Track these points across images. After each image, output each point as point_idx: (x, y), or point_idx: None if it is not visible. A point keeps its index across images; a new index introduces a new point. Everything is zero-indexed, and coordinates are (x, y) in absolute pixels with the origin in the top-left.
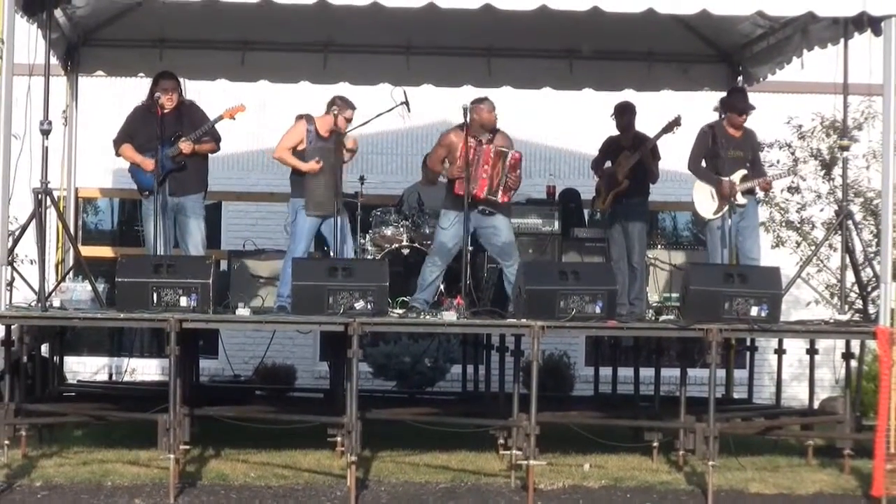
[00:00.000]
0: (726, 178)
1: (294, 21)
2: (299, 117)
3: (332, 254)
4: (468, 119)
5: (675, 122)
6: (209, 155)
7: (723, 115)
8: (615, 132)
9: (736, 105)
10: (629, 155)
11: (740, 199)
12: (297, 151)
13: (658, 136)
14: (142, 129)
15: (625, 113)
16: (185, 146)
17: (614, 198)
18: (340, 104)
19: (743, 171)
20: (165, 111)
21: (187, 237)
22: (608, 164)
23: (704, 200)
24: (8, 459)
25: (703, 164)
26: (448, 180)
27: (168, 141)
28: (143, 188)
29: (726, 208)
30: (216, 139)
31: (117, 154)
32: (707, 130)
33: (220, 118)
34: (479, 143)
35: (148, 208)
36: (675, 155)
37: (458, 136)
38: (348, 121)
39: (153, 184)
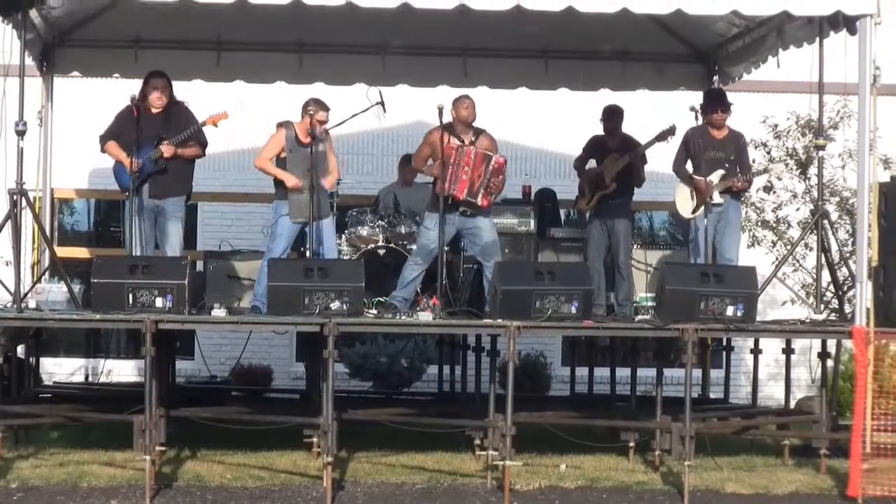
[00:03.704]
0: (704, 178)
1: (269, 21)
2: (280, 125)
3: (308, 254)
4: (451, 117)
5: (670, 132)
6: (194, 159)
7: (704, 118)
8: (591, 131)
9: (710, 105)
10: (617, 158)
11: (717, 199)
12: (278, 159)
13: (650, 143)
14: (129, 128)
15: (613, 116)
16: (167, 149)
17: (600, 199)
18: (314, 106)
19: (721, 171)
20: (154, 111)
21: (164, 240)
22: (592, 163)
23: (684, 200)
24: None
25: (688, 166)
26: (433, 181)
27: (151, 142)
28: (125, 188)
29: (703, 208)
30: (202, 144)
31: (102, 150)
32: (690, 133)
33: (203, 124)
34: (462, 143)
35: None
36: (652, 156)
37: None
38: (322, 122)
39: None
